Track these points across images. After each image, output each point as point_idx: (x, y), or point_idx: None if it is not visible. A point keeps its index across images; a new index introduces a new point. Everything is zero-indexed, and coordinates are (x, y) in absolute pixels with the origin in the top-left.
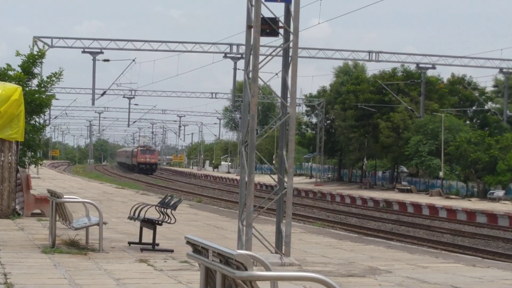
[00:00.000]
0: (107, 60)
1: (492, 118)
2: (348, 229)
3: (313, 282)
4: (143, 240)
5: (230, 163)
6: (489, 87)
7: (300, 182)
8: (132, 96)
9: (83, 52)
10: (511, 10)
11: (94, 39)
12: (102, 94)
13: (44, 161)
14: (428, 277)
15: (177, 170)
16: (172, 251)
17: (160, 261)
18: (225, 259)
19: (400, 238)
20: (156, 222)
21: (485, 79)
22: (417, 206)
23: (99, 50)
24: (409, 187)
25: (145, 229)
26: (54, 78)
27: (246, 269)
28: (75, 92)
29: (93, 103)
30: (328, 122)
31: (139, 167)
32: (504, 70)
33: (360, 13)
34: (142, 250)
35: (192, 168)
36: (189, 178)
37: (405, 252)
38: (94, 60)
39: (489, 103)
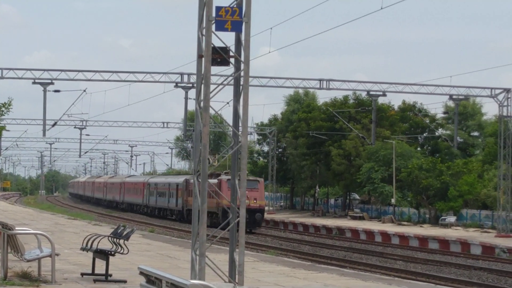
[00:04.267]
0: (58, 91)
1: (443, 145)
2: (301, 257)
3: None
4: (96, 271)
5: None
6: (439, 113)
7: None
8: (83, 127)
9: (34, 83)
10: (459, 37)
11: (44, 70)
12: (53, 125)
13: None
14: None
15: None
16: (125, 281)
17: None
18: None
19: (353, 265)
20: (109, 252)
21: (436, 106)
22: (370, 233)
23: (49, 81)
24: (361, 214)
25: (98, 260)
26: (3, 109)
27: None
28: (25, 123)
29: (44, 134)
30: (279, 150)
31: (226, 217)
32: (454, 96)
33: (310, 42)
34: (95, 281)
35: None
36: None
37: (358, 279)
38: (44, 91)
39: (440, 129)
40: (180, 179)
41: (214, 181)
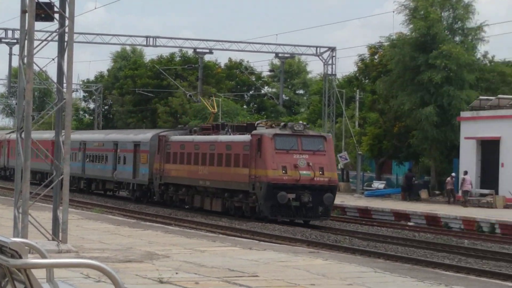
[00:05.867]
0: None
1: (268, 102)
2: (126, 215)
3: (89, 268)
4: None
5: None
6: (265, 71)
7: None
8: None
9: None
10: None
11: None
12: None
13: None
14: (205, 261)
15: None
16: None
17: None
18: None
19: (178, 222)
20: None
21: (262, 64)
22: None
23: None
24: None
25: None
26: None
27: (20, 257)
28: None
29: None
30: (106, 107)
31: (273, 199)
32: (280, 55)
33: None
34: None
35: None
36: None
37: (183, 236)
38: None
39: (266, 87)
40: (144, 135)
41: (245, 137)
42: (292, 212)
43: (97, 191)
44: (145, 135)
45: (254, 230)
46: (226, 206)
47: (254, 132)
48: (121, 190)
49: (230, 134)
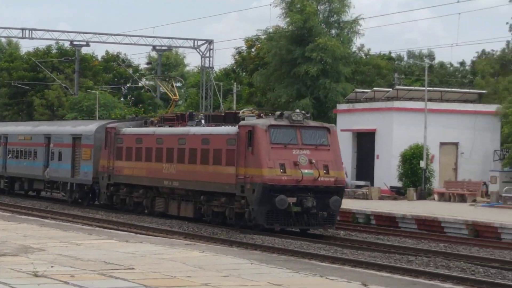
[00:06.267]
0: None
1: (146, 95)
2: (1, 208)
3: None
4: None
5: None
6: (143, 64)
7: None
8: None
9: None
10: None
11: None
12: None
13: None
14: (81, 254)
15: None
16: None
17: None
18: None
19: (55, 215)
20: None
21: (139, 56)
22: None
23: None
24: None
25: None
26: None
27: None
28: None
29: None
30: None
31: (270, 204)
32: (157, 47)
33: None
34: None
35: None
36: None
37: (59, 229)
38: None
39: (143, 80)
40: (86, 126)
41: (229, 129)
42: (292, 219)
43: (21, 191)
44: (87, 127)
45: (131, 222)
46: (201, 211)
47: (242, 123)
48: (54, 191)
49: (203, 126)
